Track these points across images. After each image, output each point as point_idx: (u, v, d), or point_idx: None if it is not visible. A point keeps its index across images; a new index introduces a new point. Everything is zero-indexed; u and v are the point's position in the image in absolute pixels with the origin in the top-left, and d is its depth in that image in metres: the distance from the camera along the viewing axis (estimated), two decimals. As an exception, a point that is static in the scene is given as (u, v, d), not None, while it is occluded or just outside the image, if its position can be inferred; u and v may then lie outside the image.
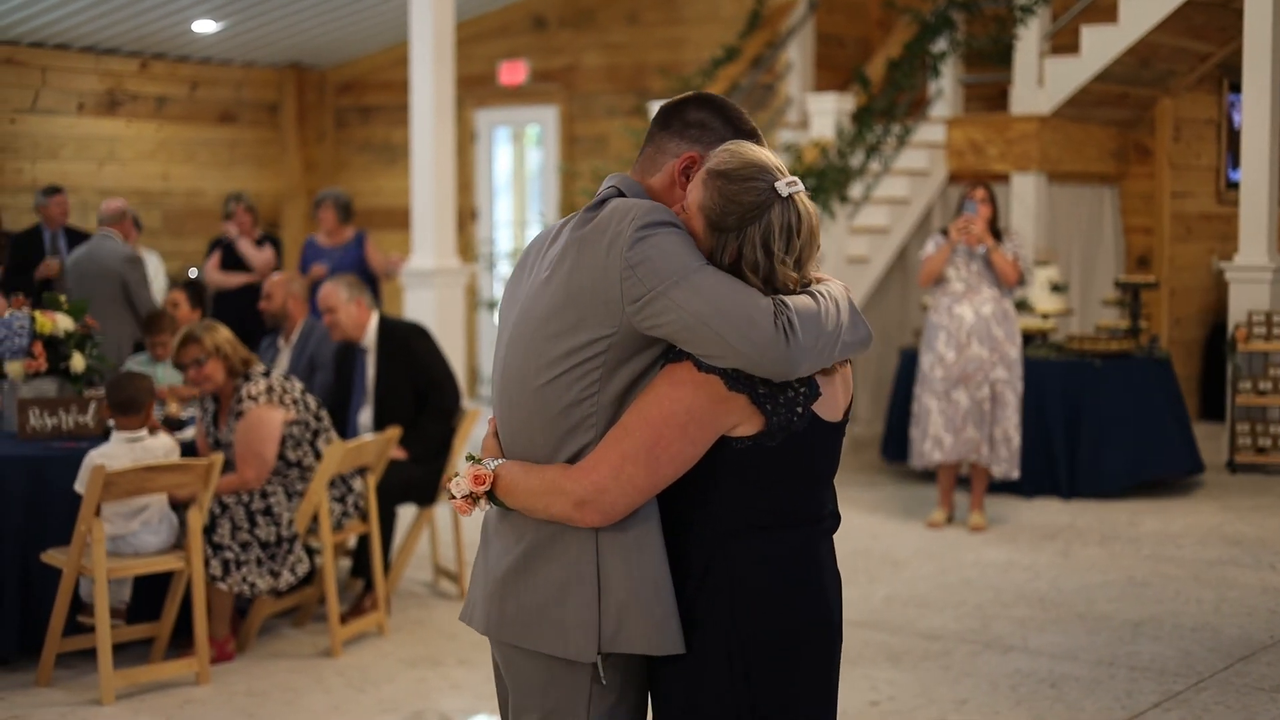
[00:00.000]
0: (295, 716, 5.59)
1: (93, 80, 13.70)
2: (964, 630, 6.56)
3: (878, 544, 8.26)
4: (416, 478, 6.92)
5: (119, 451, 5.83)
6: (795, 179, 2.75)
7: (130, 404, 5.89)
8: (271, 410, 6.17)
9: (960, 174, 11.43)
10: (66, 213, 11.14)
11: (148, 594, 6.17)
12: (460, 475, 2.82)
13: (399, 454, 6.88)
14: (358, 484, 6.48)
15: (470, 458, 2.85)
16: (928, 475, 9.61)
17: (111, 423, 6.01)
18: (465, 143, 14.38)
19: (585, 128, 13.73)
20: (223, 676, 5.96)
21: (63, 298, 6.85)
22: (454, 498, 2.82)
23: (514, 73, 14.06)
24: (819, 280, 2.81)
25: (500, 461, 2.81)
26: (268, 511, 6.16)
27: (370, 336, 7.12)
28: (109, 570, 5.66)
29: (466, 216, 14.43)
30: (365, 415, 7.15)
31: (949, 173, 11.63)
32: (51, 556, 5.81)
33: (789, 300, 2.69)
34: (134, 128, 14.01)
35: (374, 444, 6.43)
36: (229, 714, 5.59)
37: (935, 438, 8.62)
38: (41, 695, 5.73)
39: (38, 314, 6.53)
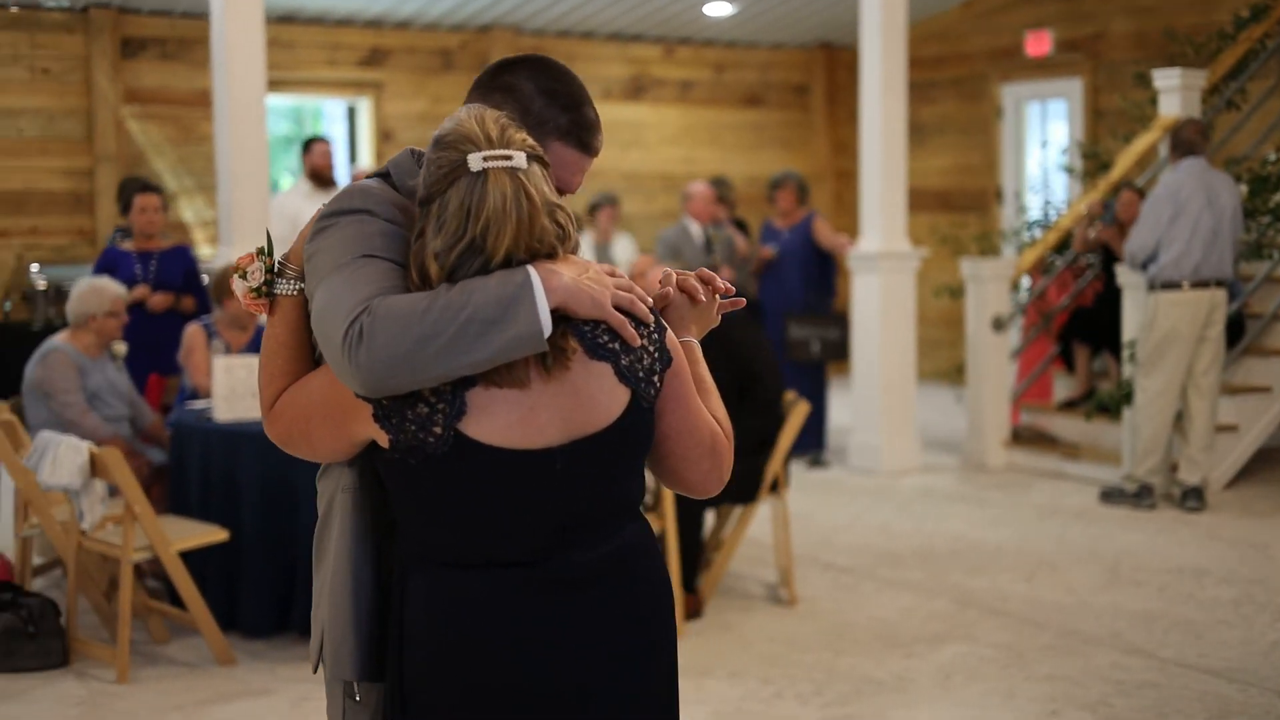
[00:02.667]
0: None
1: (618, 67, 14.03)
2: (1336, 693, 5.42)
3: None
4: (734, 474, 6.51)
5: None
6: (513, 154, 2.26)
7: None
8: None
9: None
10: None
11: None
12: (256, 271, 2.47)
13: (715, 448, 6.54)
14: (642, 478, 6.17)
15: (272, 271, 2.47)
16: None
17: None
18: (990, 119, 13.63)
19: (1110, 101, 12.63)
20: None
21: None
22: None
23: (1039, 43, 13.16)
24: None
25: (286, 293, 2.45)
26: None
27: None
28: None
29: (990, 197, 13.68)
30: (689, 406, 6.82)
31: None
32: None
33: (381, 303, 2.22)
34: (659, 112, 14.24)
35: (662, 437, 6.09)
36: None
37: None
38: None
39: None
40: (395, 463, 2.29)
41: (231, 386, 6.38)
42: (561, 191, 2.44)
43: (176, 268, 8.23)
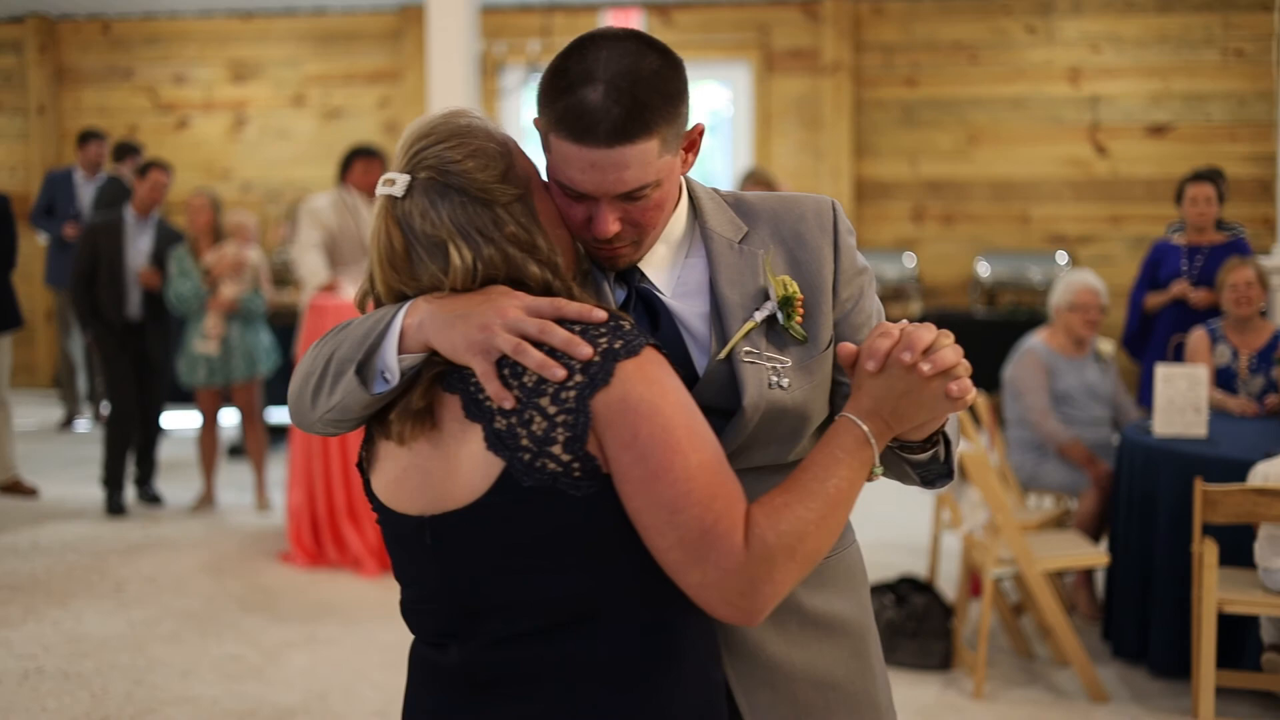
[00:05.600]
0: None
1: None
2: None
3: None
4: None
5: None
6: (396, 179, 1.91)
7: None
8: None
9: None
10: None
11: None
12: None
13: None
14: None
15: None
16: None
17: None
18: None
19: None
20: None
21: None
22: None
23: None
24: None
25: None
26: None
27: None
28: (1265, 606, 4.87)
29: None
30: None
31: None
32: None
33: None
34: None
35: None
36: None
37: None
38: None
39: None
40: None
41: (1170, 398, 5.79)
42: (574, 193, 1.94)
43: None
